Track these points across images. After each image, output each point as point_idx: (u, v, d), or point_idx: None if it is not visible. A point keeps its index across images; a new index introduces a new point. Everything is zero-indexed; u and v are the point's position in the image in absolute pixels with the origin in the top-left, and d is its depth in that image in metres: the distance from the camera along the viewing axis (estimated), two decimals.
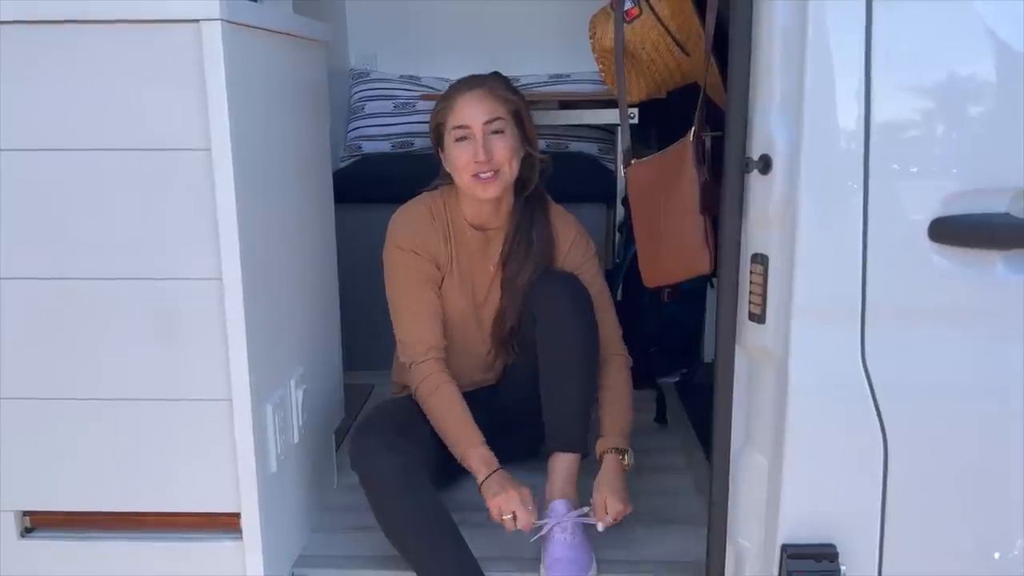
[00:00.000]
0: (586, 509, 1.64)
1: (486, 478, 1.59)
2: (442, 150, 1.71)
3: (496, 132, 1.62)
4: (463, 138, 1.63)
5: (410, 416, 1.68)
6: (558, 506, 1.64)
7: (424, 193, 1.78)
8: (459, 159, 1.64)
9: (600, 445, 1.70)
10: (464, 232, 1.75)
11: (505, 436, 1.85)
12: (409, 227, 1.73)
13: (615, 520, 1.60)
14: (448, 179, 1.74)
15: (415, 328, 1.69)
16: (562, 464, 1.70)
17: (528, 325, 1.74)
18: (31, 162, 1.37)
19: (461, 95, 1.64)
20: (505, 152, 1.63)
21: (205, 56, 1.30)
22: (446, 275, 1.75)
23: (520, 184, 1.73)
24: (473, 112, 1.62)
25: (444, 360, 1.71)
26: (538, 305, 1.70)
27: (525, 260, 1.73)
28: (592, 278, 1.77)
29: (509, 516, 1.55)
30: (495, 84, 1.67)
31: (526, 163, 1.70)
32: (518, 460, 1.94)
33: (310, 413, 1.73)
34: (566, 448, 1.70)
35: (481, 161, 1.61)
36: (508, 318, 1.78)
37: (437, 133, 1.70)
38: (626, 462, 1.68)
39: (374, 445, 1.57)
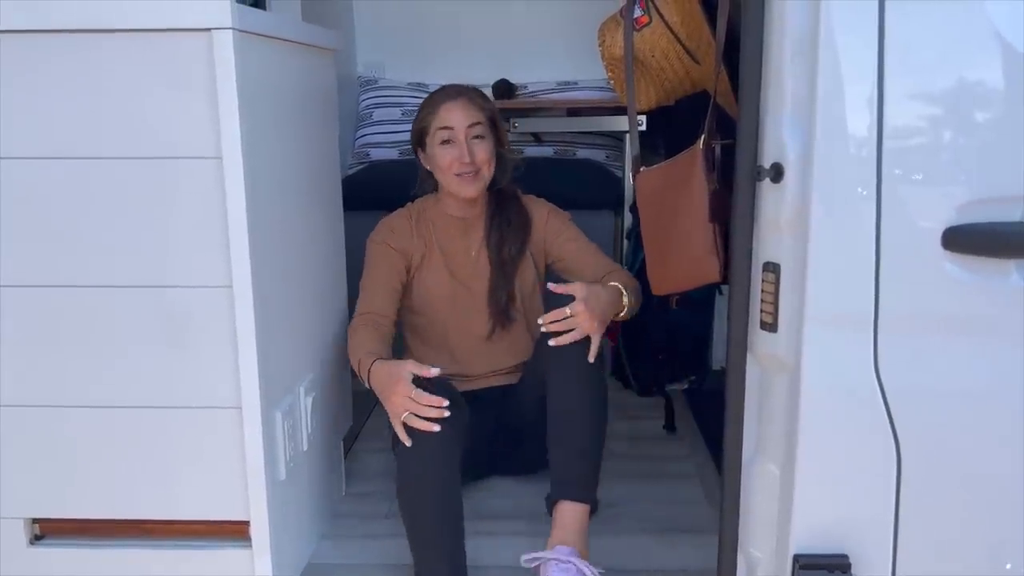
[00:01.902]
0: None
1: (368, 370, 1.61)
2: (423, 151, 1.85)
3: (477, 137, 1.79)
4: (447, 140, 1.78)
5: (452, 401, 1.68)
6: (562, 551, 1.56)
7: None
8: (443, 160, 1.79)
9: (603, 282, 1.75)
10: (445, 221, 1.90)
11: (515, 446, 1.84)
12: (385, 225, 1.90)
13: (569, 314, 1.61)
14: (428, 185, 1.90)
15: (362, 299, 1.81)
16: (570, 516, 1.60)
17: (539, 364, 1.73)
18: (42, 170, 1.38)
19: (445, 102, 1.80)
20: (485, 154, 1.80)
21: (216, 64, 1.31)
22: (426, 259, 1.88)
23: (492, 180, 1.87)
24: (458, 116, 1.78)
25: (383, 320, 1.78)
26: (548, 361, 1.67)
27: (505, 234, 1.88)
28: (576, 235, 1.92)
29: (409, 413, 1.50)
30: (473, 94, 1.83)
31: (499, 163, 1.86)
32: (527, 472, 1.93)
33: (319, 420, 1.73)
34: (574, 498, 1.61)
35: (466, 163, 1.77)
36: (502, 288, 1.89)
37: (419, 136, 1.84)
38: (625, 301, 1.74)
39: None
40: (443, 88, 1.85)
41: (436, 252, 1.89)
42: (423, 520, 1.54)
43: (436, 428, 1.48)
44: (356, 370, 1.69)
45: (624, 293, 1.74)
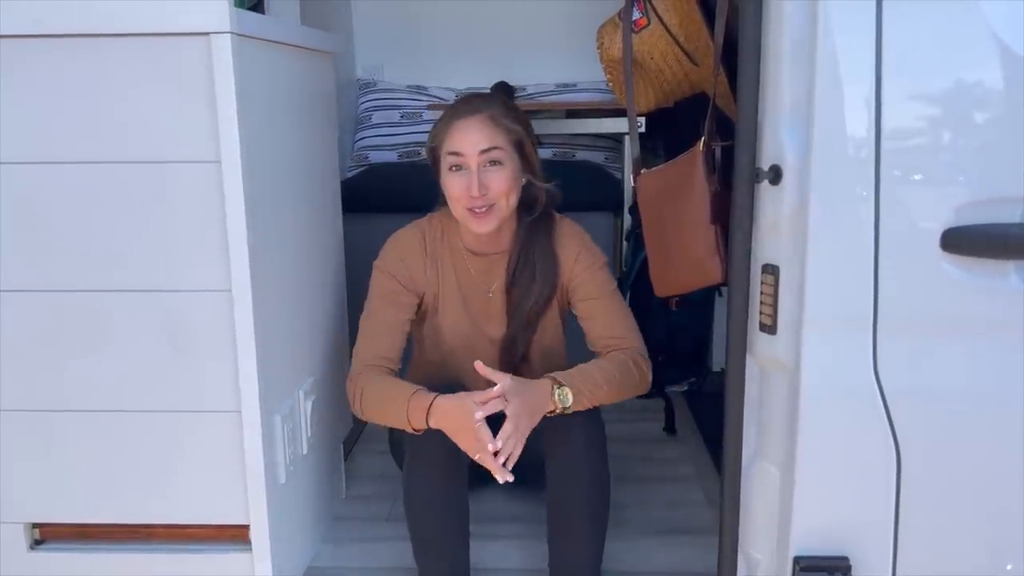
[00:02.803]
0: None
1: (428, 412, 1.44)
2: (438, 173, 1.62)
3: (494, 163, 1.53)
4: (457, 167, 1.54)
5: None
6: None
7: (425, 217, 1.72)
8: (452, 189, 1.55)
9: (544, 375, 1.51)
10: (462, 257, 1.68)
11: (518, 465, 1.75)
12: (395, 251, 1.67)
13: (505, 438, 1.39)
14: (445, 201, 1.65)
15: (362, 344, 1.63)
16: None
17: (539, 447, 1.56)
18: (41, 175, 1.38)
19: (459, 119, 1.54)
20: (502, 186, 1.53)
21: (215, 68, 1.31)
22: (441, 298, 1.69)
23: (525, 206, 1.64)
24: (469, 140, 1.52)
25: (389, 370, 1.61)
26: (550, 443, 1.53)
27: (530, 286, 1.65)
28: (597, 290, 1.66)
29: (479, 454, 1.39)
30: (497, 110, 1.56)
31: (528, 190, 1.61)
32: (530, 487, 1.88)
33: (319, 423, 1.73)
34: None
35: (476, 196, 1.52)
36: (519, 345, 1.69)
37: (433, 155, 1.61)
38: (556, 402, 1.46)
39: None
40: (462, 100, 1.61)
41: (453, 290, 1.68)
42: (426, 527, 1.52)
43: (510, 478, 1.39)
44: (403, 419, 1.47)
45: (555, 393, 1.47)
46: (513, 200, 1.58)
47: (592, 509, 1.52)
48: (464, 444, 1.42)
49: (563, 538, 1.53)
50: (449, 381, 1.73)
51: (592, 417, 1.53)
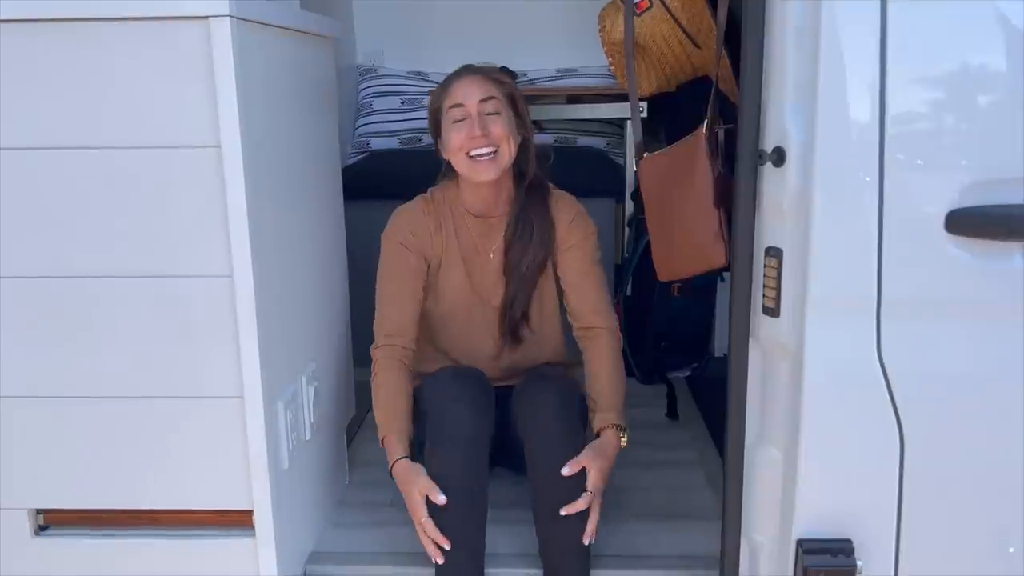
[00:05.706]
0: None
1: (392, 465, 1.60)
2: (440, 138, 1.70)
3: (492, 113, 1.63)
4: (459, 119, 1.63)
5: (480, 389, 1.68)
6: None
7: (427, 191, 1.79)
8: (455, 139, 1.63)
9: (599, 421, 1.63)
10: (464, 219, 1.75)
11: (517, 447, 1.73)
12: (401, 220, 1.74)
13: (590, 497, 1.53)
14: (450, 174, 1.74)
15: (383, 314, 1.71)
16: None
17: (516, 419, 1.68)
18: (40, 161, 1.37)
19: (457, 79, 1.67)
20: (502, 130, 1.62)
21: (214, 53, 1.30)
22: (444, 261, 1.74)
23: (519, 173, 1.72)
24: (468, 91, 1.63)
25: (406, 350, 1.70)
26: (523, 416, 1.63)
27: (527, 246, 1.72)
28: (584, 258, 1.74)
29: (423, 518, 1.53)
30: (489, 69, 1.70)
31: (523, 151, 1.70)
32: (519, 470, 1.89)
33: (322, 409, 1.73)
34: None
35: (477, 136, 1.60)
36: (517, 306, 1.75)
37: (435, 120, 1.70)
38: (624, 442, 1.63)
39: (458, 390, 1.60)
40: (459, 68, 1.72)
41: (455, 253, 1.74)
42: (449, 512, 1.52)
43: (440, 560, 1.52)
44: (377, 420, 1.66)
45: (623, 433, 1.63)
46: (512, 148, 1.65)
47: (574, 484, 1.54)
48: (407, 504, 1.56)
49: (551, 515, 1.55)
50: (443, 348, 1.82)
51: (563, 401, 1.60)
